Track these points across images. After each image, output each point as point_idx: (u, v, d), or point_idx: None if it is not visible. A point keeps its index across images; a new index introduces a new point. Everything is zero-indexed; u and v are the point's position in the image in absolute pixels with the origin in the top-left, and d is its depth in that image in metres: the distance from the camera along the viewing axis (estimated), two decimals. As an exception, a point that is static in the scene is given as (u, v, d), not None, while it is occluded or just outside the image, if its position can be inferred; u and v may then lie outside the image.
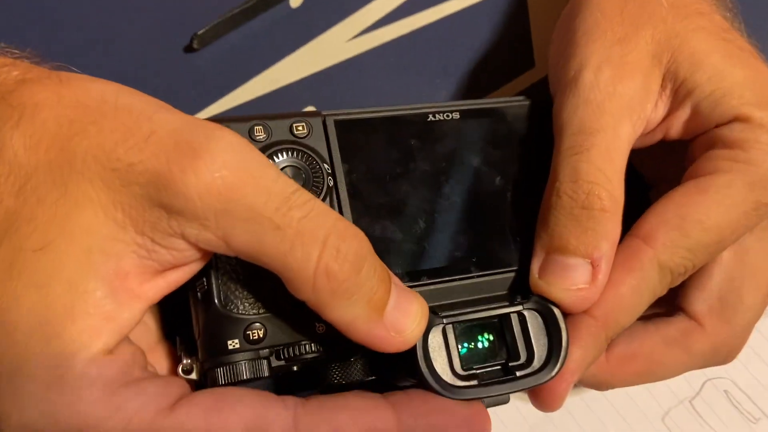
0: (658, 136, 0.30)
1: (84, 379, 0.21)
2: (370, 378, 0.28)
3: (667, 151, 0.31)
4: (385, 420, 0.23)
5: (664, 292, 0.28)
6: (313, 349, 0.25)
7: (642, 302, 0.27)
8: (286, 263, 0.22)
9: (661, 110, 0.29)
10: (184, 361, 0.27)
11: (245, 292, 0.25)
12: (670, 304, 0.31)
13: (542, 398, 0.27)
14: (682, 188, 0.28)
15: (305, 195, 0.22)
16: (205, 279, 0.25)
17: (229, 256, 0.25)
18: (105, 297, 0.21)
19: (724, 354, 0.30)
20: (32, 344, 0.21)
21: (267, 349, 0.25)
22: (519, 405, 0.34)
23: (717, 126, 0.28)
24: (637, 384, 0.30)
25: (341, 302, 0.22)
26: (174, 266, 0.23)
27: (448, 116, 0.29)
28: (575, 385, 0.30)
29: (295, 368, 0.27)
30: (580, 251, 0.26)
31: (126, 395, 0.22)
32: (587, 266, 0.26)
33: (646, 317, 0.30)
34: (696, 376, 0.37)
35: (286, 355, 0.25)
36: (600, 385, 0.30)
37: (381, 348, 0.24)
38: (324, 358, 0.26)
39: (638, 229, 0.27)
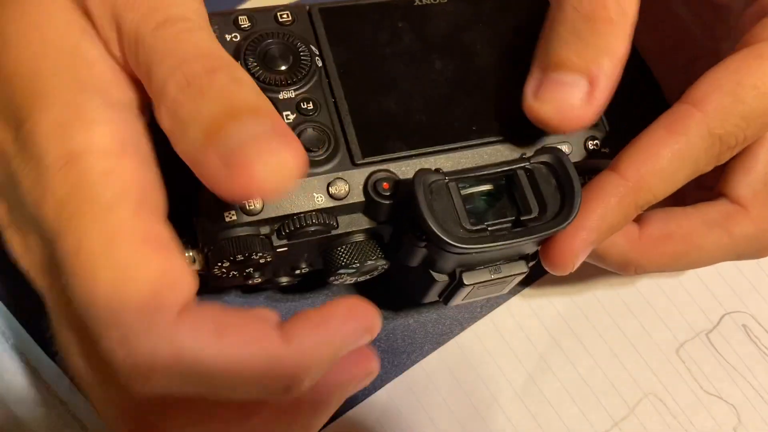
0: None
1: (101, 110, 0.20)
2: (381, 262, 0.27)
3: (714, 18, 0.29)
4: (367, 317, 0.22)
5: (709, 167, 0.26)
6: (314, 221, 0.24)
7: (682, 171, 0.25)
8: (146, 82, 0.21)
9: None
10: (187, 255, 0.26)
11: None
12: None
13: (554, 255, 0.25)
14: (736, 55, 0.26)
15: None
16: None
17: None
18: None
19: (767, 242, 0.28)
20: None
21: (267, 226, 0.24)
22: (528, 332, 0.34)
23: None
24: (671, 269, 0.28)
25: (184, 132, 0.20)
26: None
27: (435, 0, 0.28)
28: (599, 270, 0.28)
29: (304, 268, 0.26)
30: (577, 67, 0.24)
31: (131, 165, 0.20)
32: (584, 83, 0.24)
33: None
34: (714, 310, 0.35)
35: (288, 230, 0.24)
36: (628, 266, 0.28)
37: (223, 187, 0.19)
38: (327, 231, 0.25)
39: (688, 95, 0.25)
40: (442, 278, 0.26)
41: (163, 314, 0.19)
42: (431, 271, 0.26)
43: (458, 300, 0.27)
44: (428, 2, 0.28)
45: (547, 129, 0.25)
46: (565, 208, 0.24)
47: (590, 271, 0.35)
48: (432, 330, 0.33)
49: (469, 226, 0.24)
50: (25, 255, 0.22)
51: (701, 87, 0.25)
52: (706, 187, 0.29)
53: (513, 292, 0.34)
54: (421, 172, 0.24)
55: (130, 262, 0.19)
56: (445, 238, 0.23)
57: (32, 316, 0.30)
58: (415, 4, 0.28)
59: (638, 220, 0.28)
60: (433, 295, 0.28)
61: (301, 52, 0.26)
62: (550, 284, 0.35)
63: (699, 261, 0.28)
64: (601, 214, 0.25)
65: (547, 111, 0.25)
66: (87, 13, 0.21)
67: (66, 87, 0.20)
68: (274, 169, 0.19)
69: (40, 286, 0.22)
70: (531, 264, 0.27)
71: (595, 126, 0.28)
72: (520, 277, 0.27)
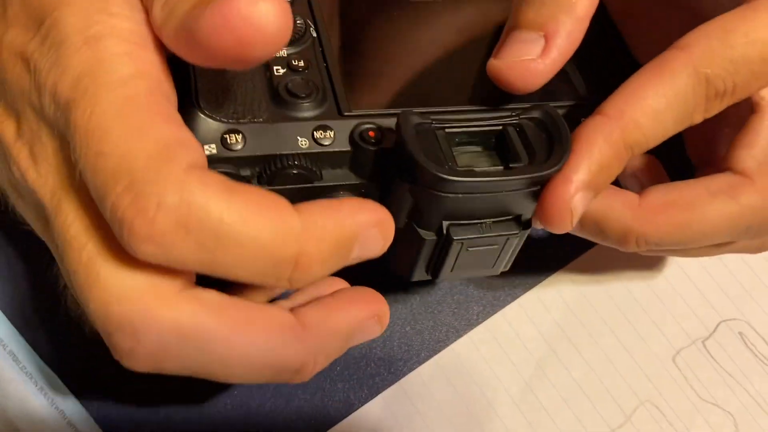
0: None
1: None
2: None
3: None
4: (378, 211, 0.22)
5: (698, 114, 0.25)
6: (296, 162, 0.24)
7: (670, 110, 0.25)
8: None
9: None
10: None
11: (225, 98, 0.25)
12: None
13: (550, 205, 0.24)
14: (730, 11, 0.25)
15: None
16: (185, 80, 0.24)
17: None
18: None
19: None
20: None
21: (247, 168, 0.24)
22: (524, 340, 0.34)
23: None
24: (674, 240, 0.27)
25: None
26: None
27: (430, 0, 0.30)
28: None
29: None
30: (534, 24, 0.25)
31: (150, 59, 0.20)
32: (541, 40, 0.25)
33: None
34: (710, 317, 0.36)
35: (269, 171, 0.24)
36: (629, 235, 0.27)
37: (204, 29, 0.19)
38: (309, 180, 0.25)
39: (676, 43, 0.25)
40: (429, 236, 0.25)
41: (172, 165, 0.19)
42: (418, 229, 0.25)
43: (447, 271, 0.27)
44: (425, 0, 0.29)
45: (503, 86, 0.25)
46: (555, 154, 0.24)
47: (586, 278, 0.36)
48: (428, 337, 0.33)
49: (456, 166, 0.24)
50: (30, 167, 0.21)
51: (689, 35, 0.25)
52: None
53: (509, 299, 0.34)
54: (407, 112, 0.24)
55: (143, 123, 0.19)
56: (430, 169, 0.23)
57: (31, 324, 0.31)
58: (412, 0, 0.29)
59: (640, 192, 0.28)
60: (421, 269, 0.27)
61: (297, 21, 0.27)
62: (546, 291, 0.35)
63: (704, 232, 0.27)
64: (590, 153, 0.24)
65: (501, 66, 0.25)
66: None
67: None
68: (258, 4, 0.18)
69: (43, 194, 0.21)
70: (525, 231, 0.26)
71: (586, 107, 0.28)
72: (513, 243, 0.26)
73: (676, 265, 0.37)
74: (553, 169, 0.24)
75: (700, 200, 0.27)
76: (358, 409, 0.31)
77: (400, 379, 0.32)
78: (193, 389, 0.30)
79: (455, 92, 0.27)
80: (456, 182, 0.23)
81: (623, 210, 0.27)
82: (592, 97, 0.28)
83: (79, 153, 0.19)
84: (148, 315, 0.20)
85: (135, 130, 0.19)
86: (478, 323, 0.34)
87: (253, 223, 0.19)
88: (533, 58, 0.25)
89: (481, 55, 0.27)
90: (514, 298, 0.34)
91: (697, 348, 0.35)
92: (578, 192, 0.24)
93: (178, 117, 0.20)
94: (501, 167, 0.25)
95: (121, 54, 0.20)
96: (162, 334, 0.20)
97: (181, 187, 0.18)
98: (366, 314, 0.23)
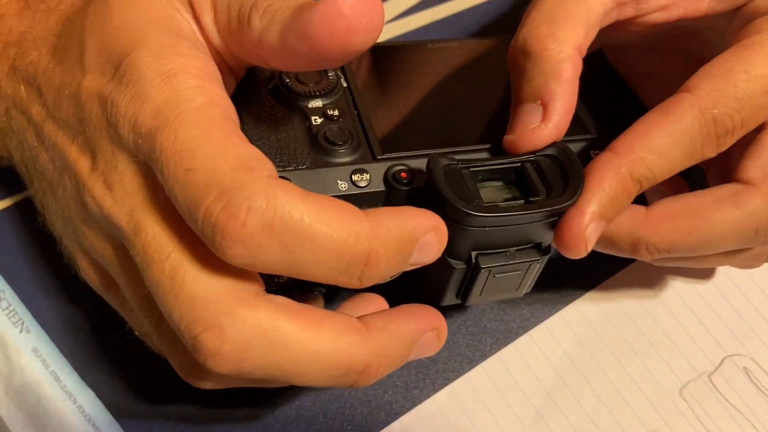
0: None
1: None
2: None
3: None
4: (434, 218, 0.24)
5: (708, 150, 0.27)
6: None
7: (676, 147, 0.27)
8: None
9: None
10: None
11: (271, 149, 0.27)
12: None
13: (566, 235, 0.27)
14: (726, 51, 0.28)
15: None
16: None
17: (250, 115, 0.28)
18: None
19: None
20: None
21: None
22: (536, 370, 0.35)
23: None
24: (683, 246, 0.29)
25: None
26: None
27: (445, 45, 0.33)
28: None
29: None
30: (531, 96, 0.28)
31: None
32: (539, 108, 0.27)
33: None
34: (715, 352, 0.37)
35: None
36: (638, 243, 0.29)
37: (320, 27, 0.22)
38: None
39: (683, 86, 0.28)
40: (459, 265, 0.28)
41: (256, 175, 0.21)
42: (449, 259, 0.28)
43: (475, 295, 0.29)
44: (439, 46, 0.33)
45: (514, 151, 0.28)
46: (570, 188, 0.27)
47: (594, 312, 0.37)
48: (443, 366, 0.35)
49: (482, 203, 0.26)
50: (106, 195, 0.24)
51: (694, 77, 0.28)
52: None
53: (521, 331, 0.36)
54: (435, 156, 0.27)
55: (224, 141, 0.22)
56: (460, 207, 0.25)
57: (72, 344, 0.33)
58: (428, 47, 0.33)
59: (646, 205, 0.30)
60: (451, 295, 0.30)
61: (329, 74, 0.30)
62: (556, 325, 0.37)
63: (712, 237, 0.29)
64: (601, 187, 0.27)
65: (513, 139, 0.28)
66: None
67: (162, 34, 0.24)
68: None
69: (120, 218, 0.23)
70: (545, 257, 0.28)
71: (595, 141, 0.30)
72: (535, 268, 0.29)
73: (680, 300, 0.38)
74: (568, 202, 0.27)
75: (706, 208, 0.29)
76: (376, 433, 0.33)
77: (416, 405, 0.34)
78: (225, 412, 0.32)
79: (476, 133, 0.30)
80: (483, 218, 0.26)
81: (630, 223, 0.29)
82: (602, 136, 0.31)
83: (168, 173, 0.22)
84: (233, 315, 0.22)
85: (218, 147, 0.22)
86: (491, 354, 0.35)
87: (329, 223, 0.21)
88: (537, 125, 0.28)
89: (498, 98, 0.30)
90: (525, 331, 0.36)
91: (703, 381, 0.36)
92: (591, 222, 0.27)
93: (247, 139, 0.23)
94: (522, 201, 0.27)
95: (194, 87, 0.23)
96: (245, 332, 0.22)
97: (266, 193, 0.21)
98: (426, 325, 0.25)
